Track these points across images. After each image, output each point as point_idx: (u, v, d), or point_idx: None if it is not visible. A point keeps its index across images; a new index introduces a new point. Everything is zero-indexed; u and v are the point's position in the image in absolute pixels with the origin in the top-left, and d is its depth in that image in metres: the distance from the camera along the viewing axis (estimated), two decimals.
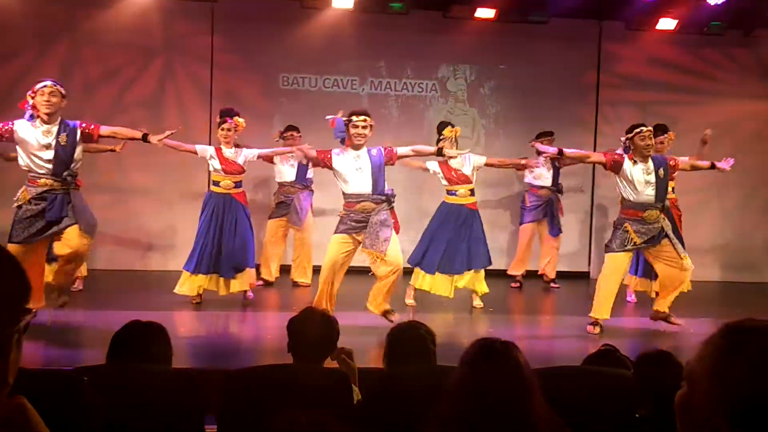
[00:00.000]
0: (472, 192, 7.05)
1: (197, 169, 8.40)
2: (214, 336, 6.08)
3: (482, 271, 7.07)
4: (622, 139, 6.20)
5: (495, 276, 8.82)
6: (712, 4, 8.29)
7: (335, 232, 6.00)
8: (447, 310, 6.99)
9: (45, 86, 5.41)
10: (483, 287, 7.06)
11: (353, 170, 5.88)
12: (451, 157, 6.67)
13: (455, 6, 8.58)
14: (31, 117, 5.45)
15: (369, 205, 5.89)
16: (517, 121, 9.45)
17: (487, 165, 7.18)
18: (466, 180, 7.00)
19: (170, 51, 8.94)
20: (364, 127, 5.88)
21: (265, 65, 9.10)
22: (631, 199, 6.11)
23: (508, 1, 8.51)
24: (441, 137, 6.87)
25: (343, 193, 6.01)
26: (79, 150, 5.57)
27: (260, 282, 7.83)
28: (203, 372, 4.18)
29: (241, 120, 6.78)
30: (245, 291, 6.91)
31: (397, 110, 9.37)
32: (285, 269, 8.18)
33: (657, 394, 2.62)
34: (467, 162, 7.03)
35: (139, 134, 5.81)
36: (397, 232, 6.08)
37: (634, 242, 6.07)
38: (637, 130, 6.06)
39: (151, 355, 2.81)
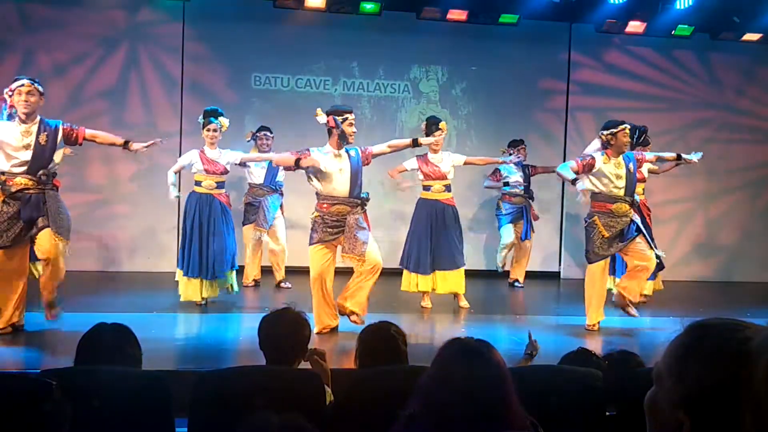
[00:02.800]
0: (447, 188, 7.06)
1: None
2: (188, 338, 6.03)
3: (461, 271, 7.06)
4: (604, 133, 6.23)
5: (469, 276, 8.88)
6: (680, 8, 8.42)
7: (311, 243, 5.87)
8: (418, 310, 7.01)
9: (22, 85, 5.24)
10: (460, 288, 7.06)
11: (335, 171, 5.78)
12: (428, 145, 6.57)
13: (427, 7, 8.60)
14: (10, 116, 5.31)
15: (344, 208, 5.79)
16: (489, 122, 9.52)
17: (466, 164, 7.21)
18: (442, 176, 7.02)
19: (141, 48, 8.85)
20: (351, 123, 5.79)
21: (238, 65, 9.05)
22: (603, 191, 6.22)
23: (479, 3, 8.56)
24: (437, 130, 6.88)
25: (318, 194, 5.88)
26: (59, 153, 5.43)
27: (252, 283, 8.02)
28: (175, 374, 4.14)
29: (225, 121, 6.73)
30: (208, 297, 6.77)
31: (369, 111, 9.38)
32: (265, 270, 8.18)
33: (621, 393, 2.65)
34: (446, 159, 7.07)
35: (120, 141, 5.73)
36: (369, 227, 6.01)
37: (603, 236, 6.18)
38: (622, 127, 6.17)
39: (119, 357, 2.78)
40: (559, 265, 9.76)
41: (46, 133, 5.34)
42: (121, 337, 2.84)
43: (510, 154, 8.43)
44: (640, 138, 7.26)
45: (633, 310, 6.36)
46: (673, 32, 8.98)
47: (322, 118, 5.79)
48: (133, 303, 6.78)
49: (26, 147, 5.31)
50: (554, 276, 9.64)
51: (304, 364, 3.16)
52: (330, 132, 5.81)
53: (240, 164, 7.02)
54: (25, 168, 5.31)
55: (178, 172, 6.85)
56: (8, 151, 5.30)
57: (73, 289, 7.14)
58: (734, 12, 8.77)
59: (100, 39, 8.72)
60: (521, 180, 8.50)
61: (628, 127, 6.21)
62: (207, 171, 6.65)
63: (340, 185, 5.79)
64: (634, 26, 8.90)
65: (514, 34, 9.10)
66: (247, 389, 2.73)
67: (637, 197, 6.54)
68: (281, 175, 7.87)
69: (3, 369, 4.56)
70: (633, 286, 6.31)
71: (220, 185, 6.74)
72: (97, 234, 8.65)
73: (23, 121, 5.31)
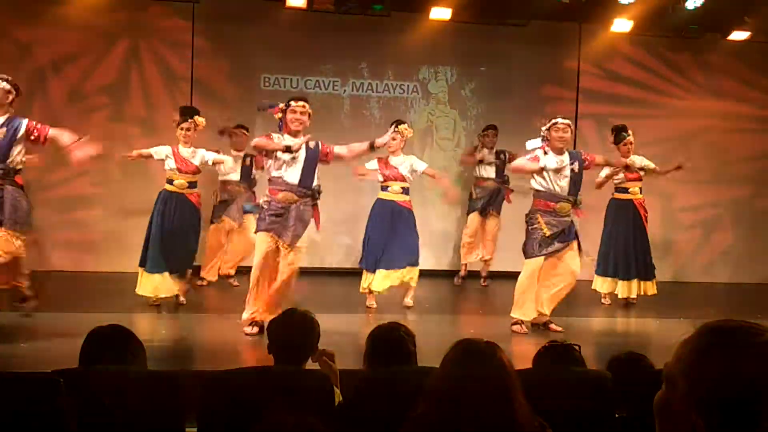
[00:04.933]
0: (405, 191, 7.06)
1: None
2: (195, 338, 6.04)
3: (416, 269, 7.03)
4: (543, 129, 6.17)
5: (478, 277, 8.86)
6: (691, 7, 8.37)
7: (257, 231, 5.86)
8: (426, 312, 7.00)
9: None
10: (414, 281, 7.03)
11: (287, 158, 5.75)
12: (383, 146, 6.42)
13: (436, 8, 8.60)
14: None
15: (291, 197, 5.76)
16: (498, 123, 9.46)
17: (425, 173, 7.18)
18: (400, 178, 7.02)
19: (150, 47, 8.87)
20: (302, 113, 5.78)
21: (247, 66, 9.06)
22: (543, 189, 6.12)
23: (488, 4, 8.55)
24: (395, 132, 6.83)
25: (270, 178, 5.88)
26: (19, 148, 5.48)
27: (204, 282, 7.92)
28: (183, 374, 4.15)
29: (201, 119, 6.72)
30: (178, 295, 6.75)
31: (378, 111, 9.38)
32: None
33: (631, 395, 2.64)
34: (407, 162, 7.07)
35: (68, 142, 5.64)
36: (318, 229, 6.00)
37: (544, 235, 6.04)
38: (553, 122, 6.11)
39: (122, 358, 2.78)
40: None
41: (5, 128, 5.39)
42: (122, 339, 2.84)
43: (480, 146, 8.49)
44: (617, 137, 7.27)
45: (555, 326, 6.16)
46: (683, 32, 8.94)
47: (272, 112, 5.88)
48: (139, 304, 6.80)
49: None
50: None
51: (313, 365, 3.16)
52: (281, 121, 5.87)
53: (213, 164, 6.99)
54: None
55: (144, 157, 6.77)
56: None
57: (72, 290, 7.16)
58: (745, 11, 8.72)
59: (107, 37, 8.72)
60: (489, 166, 8.49)
61: (561, 122, 6.08)
62: (179, 170, 6.60)
63: (290, 173, 5.77)
64: (645, 26, 8.86)
65: (524, 34, 9.07)
66: (257, 390, 2.73)
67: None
68: (255, 172, 7.83)
69: (5, 369, 4.57)
70: (551, 299, 6.15)
71: (192, 185, 6.69)
72: (95, 234, 8.64)
73: None
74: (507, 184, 8.55)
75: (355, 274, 7.34)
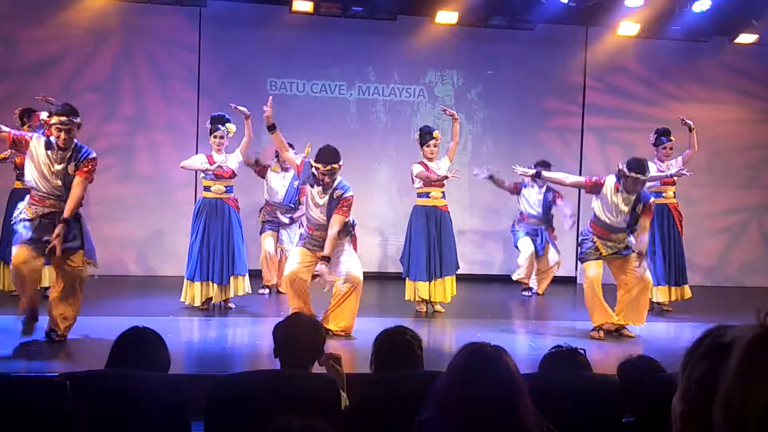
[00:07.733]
0: (443, 195, 7.09)
1: (184, 174, 8.39)
2: (202, 342, 6.05)
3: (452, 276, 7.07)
4: (621, 165, 6.06)
5: (484, 281, 8.86)
6: (697, 11, 8.36)
7: (296, 245, 6.08)
8: (432, 315, 7.00)
9: (62, 123, 5.12)
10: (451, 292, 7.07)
11: (317, 204, 5.93)
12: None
13: (442, 12, 8.60)
14: (48, 139, 5.21)
15: (326, 234, 5.88)
16: (504, 127, 9.49)
17: (451, 161, 7.16)
18: (440, 183, 7.04)
19: (156, 55, 8.90)
20: (323, 174, 5.80)
21: (253, 70, 9.08)
22: (604, 220, 6.12)
23: (494, 8, 8.55)
24: (432, 139, 6.91)
25: (305, 215, 6.10)
26: None
27: (266, 291, 7.91)
28: (190, 378, 4.15)
29: (232, 126, 6.84)
30: (227, 300, 6.82)
31: (384, 115, 9.39)
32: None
33: (640, 399, 2.63)
34: (442, 166, 7.06)
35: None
36: (355, 250, 6.09)
37: (601, 253, 6.15)
38: (635, 174, 5.94)
39: (156, 361, 2.81)
40: (576, 270, 9.70)
41: (75, 162, 5.24)
42: (156, 341, 2.88)
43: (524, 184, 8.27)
44: (657, 140, 7.27)
45: (629, 332, 6.27)
46: (689, 36, 8.93)
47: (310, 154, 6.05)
48: (143, 306, 6.81)
49: (57, 175, 5.22)
50: (571, 281, 9.59)
51: (320, 369, 3.16)
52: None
53: (247, 164, 7.16)
54: (58, 194, 5.24)
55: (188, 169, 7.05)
56: (41, 171, 5.20)
57: (90, 293, 7.15)
58: (752, 14, 8.70)
59: (111, 38, 8.73)
60: (537, 202, 8.18)
61: (643, 177, 5.99)
62: (216, 175, 6.73)
63: (320, 217, 5.93)
64: (652, 29, 8.84)
65: (530, 38, 9.07)
66: (263, 393, 2.73)
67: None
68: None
69: (18, 373, 4.59)
70: (636, 309, 6.23)
71: (229, 189, 6.81)
72: (108, 237, 8.67)
73: (59, 149, 5.20)
74: (551, 224, 8.34)
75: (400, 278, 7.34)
